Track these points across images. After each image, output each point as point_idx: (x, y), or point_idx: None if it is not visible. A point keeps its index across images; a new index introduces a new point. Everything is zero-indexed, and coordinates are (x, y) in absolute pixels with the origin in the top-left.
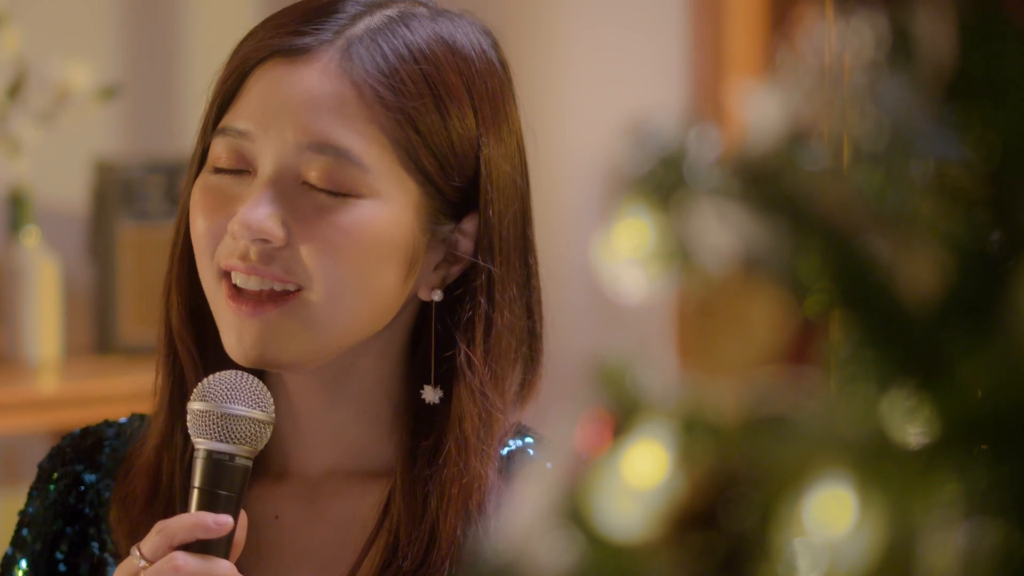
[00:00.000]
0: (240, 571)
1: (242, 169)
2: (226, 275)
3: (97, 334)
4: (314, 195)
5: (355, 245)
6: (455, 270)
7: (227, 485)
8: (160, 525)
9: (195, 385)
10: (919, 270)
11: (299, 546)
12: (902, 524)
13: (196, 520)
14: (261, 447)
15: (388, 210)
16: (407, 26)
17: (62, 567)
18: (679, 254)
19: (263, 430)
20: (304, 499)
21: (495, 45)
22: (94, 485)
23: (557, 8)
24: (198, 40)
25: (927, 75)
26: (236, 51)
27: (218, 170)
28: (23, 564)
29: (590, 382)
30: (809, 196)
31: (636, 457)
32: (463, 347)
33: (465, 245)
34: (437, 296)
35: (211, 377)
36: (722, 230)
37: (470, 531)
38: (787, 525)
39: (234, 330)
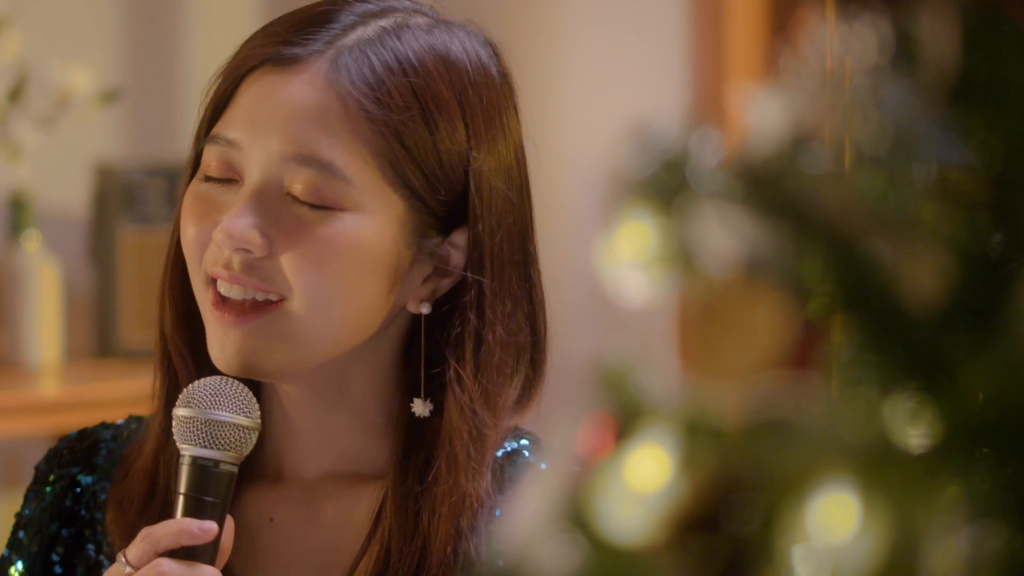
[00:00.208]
0: (235, 574)
1: (230, 178)
2: (212, 282)
3: (97, 338)
4: (297, 207)
5: (336, 258)
6: (445, 283)
7: (212, 491)
8: (146, 531)
9: (187, 385)
10: (921, 274)
11: (294, 549)
12: (905, 528)
13: (181, 526)
14: (247, 453)
15: (371, 224)
16: (399, 37)
17: (58, 569)
18: (681, 258)
19: (248, 436)
20: (299, 502)
21: (496, 55)
22: (90, 487)
23: (558, 12)
24: (198, 44)
25: (929, 79)
26: (232, 58)
27: (208, 178)
28: (19, 566)
29: (592, 386)
30: (811, 200)
31: (638, 461)
32: (453, 363)
33: (456, 258)
34: (426, 309)
35: (196, 383)
36: (724, 234)
37: (461, 549)
38: (790, 529)
39: (217, 338)
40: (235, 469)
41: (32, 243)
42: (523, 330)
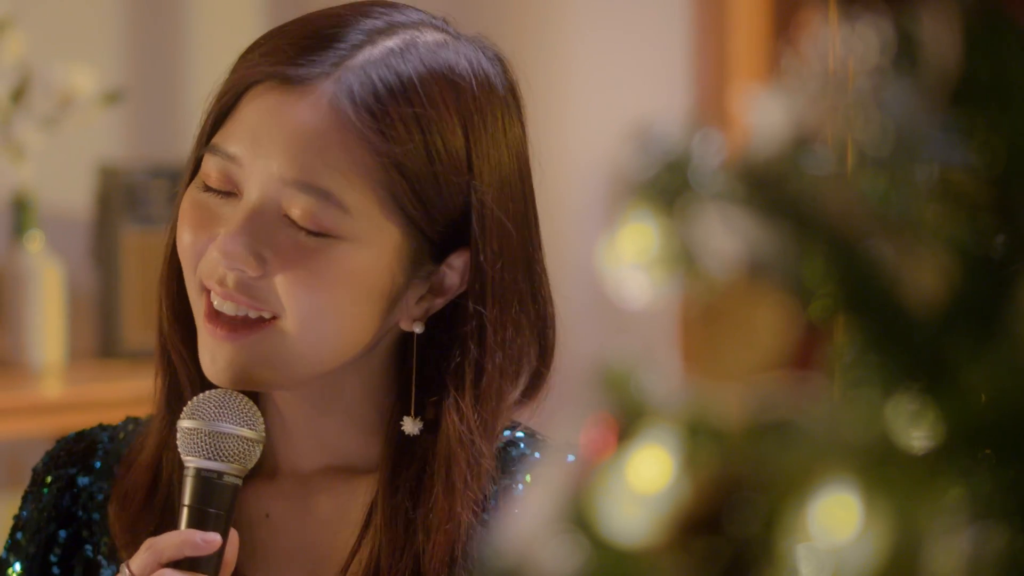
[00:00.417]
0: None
1: (230, 191)
2: (206, 291)
3: (101, 338)
4: (295, 231)
5: (330, 285)
6: (439, 302)
7: (216, 503)
8: (149, 542)
9: (189, 385)
10: (923, 275)
11: (289, 544)
12: (907, 529)
13: (184, 537)
14: (251, 466)
15: (367, 253)
16: (405, 59)
17: (56, 570)
18: (683, 259)
19: (252, 448)
20: (294, 497)
21: (504, 71)
22: (87, 488)
23: (562, 14)
24: (202, 45)
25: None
26: (237, 65)
27: (208, 188)
28: (17, 567)
29: (594, 386)
30: (813, 201)
31: (641, 462)
32: (452, 392)
33: (451, 279)
34: (418, 328)
35: (201, 395)
36: (726, 235)
37: (456, 572)
38: (792, 530)
39: (208, 350)
40: (239, 481)
41: (35, 244)
42: (525, 353)
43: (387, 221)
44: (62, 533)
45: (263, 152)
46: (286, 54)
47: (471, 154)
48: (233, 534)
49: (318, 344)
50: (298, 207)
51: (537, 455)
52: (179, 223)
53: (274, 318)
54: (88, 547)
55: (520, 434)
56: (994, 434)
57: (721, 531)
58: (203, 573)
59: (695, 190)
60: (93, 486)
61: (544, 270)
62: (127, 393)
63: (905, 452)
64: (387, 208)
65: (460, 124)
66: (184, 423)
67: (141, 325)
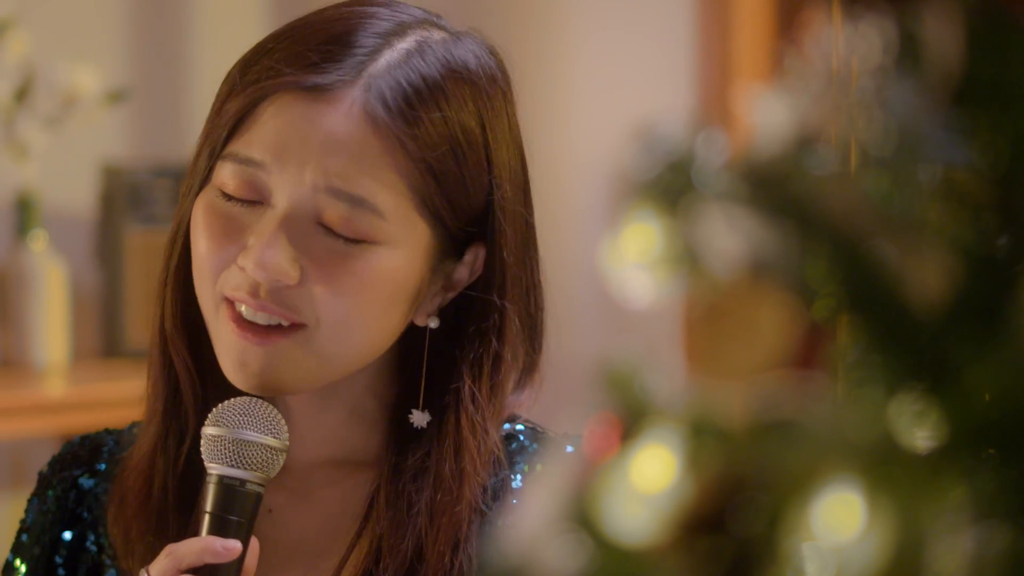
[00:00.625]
0: None
1: (254, 200)
2: (228, 301)
3: (104, 338)
4: (330, 238)
5: (367, 290)
6: (449, 295)
7: (238, 511)
8: (170, 548)
9: (189, 390)
10: (927, 274)
11: (292, 538)
12: (910, 528)
13: (205, 544)
14: (274, 474)
15: (401, 255)
16: (427, 61)
17: (61, 572)
18: (687, 258)
19: (276, 457)
20: (296, 491)
21: (500, 64)
22: (92, 490)
23: (565, 13)
24: (206, 44)
25: (935, 79)
26: (246, 67)
27: (228, 197)
28: (23, 570)
29: (598, 386)
30: (817, 200)
31: (644, 461)
32: (468, 382)
33: (462, 273)
34: (434, 323)
35: (225, 403)
36: (730, 234)
37: (457, 557)
38: (795, 529)
39: (237, 355)
40: (261, 489)
41: (39, 243)
42: (522, 340)
43: (419, 220)
44: (67, 535)
45: (294, 160)
46: (304, 61)
47: (489, 149)
48: (253, 542)
49: (350, 348)
50: (333, 213)
51: (536, 447)
52: (195, 230)
53: (302, 325)
54: (93, 548)
55: (520, 427)
56: (997, 433)
57: (724, 530)
58: None
59: (698, 190)
60: (98, 487)
61: (539, 255)
62: (130, 393)
63: (908, 452)
64: (419, 209)
65: (478, 121)
66: (208, 430)
67: (144, 325)
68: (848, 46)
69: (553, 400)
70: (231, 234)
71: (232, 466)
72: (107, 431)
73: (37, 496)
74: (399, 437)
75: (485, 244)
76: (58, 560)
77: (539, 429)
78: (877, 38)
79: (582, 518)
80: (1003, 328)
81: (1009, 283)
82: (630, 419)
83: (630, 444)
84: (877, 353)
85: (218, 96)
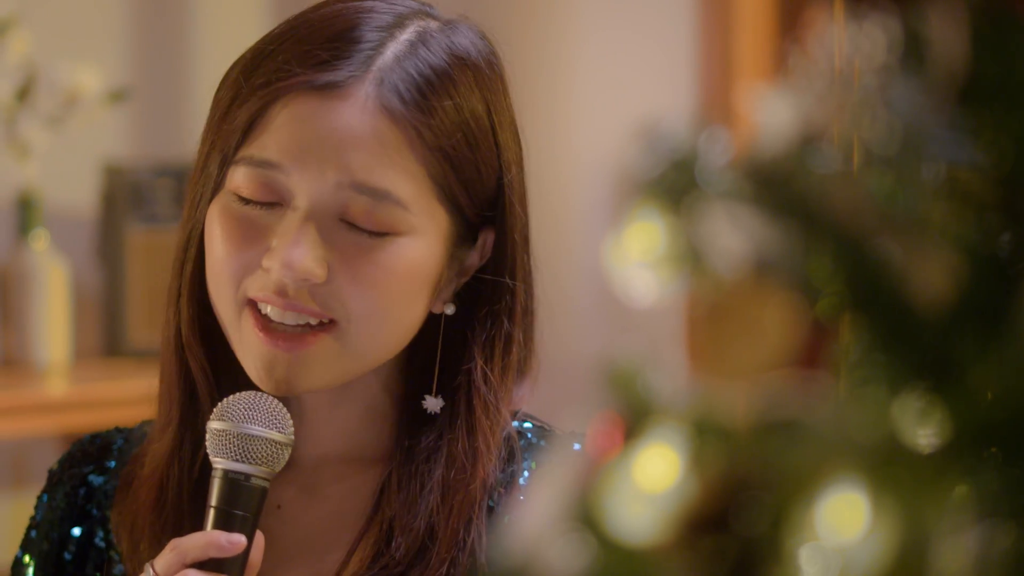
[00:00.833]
0: None
1: (272, 202)
2: (250, 304)
3: (105, 337)
4: (354, 233)
5: (394, 281)
6: (462, 281)
7: (243, 505)
8: (174, 542)
9: (207, 396)
10: (930, 274)
11: (299, 533)
12: (914, 528)
13: (209, 539)
14: (279, 469)
15: (424, 244)
16: (431, 51)
17: (70, 568)
18: (690, 257)
19: (281, 451)
20: (304, 487)
21: (493, 50)
22: (102, 487)
23: (567, 12)
24: (207, 43)
25: (939, 79)
26: (249, 71)
27: (244, 200)
28: (32, 565)
29: (601, 385)
30: (820, 199)
31: (648, 461)
32: (480, 363)
33: (473, 258)
34: (450, 310)
35: (231, 397)
36: (733, 233)
37: (471, 534)
38: (799, 529)
39: (262, 360)
40: (267, 484)
41: (40, 243)
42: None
43: (439, 209)
44: (76, 531)
45: (313, 158)
46: (313, 59)
47: (496, 133)
48: (259, 536)
49: (380, 341)
50: (356, 208)
51: (544, 444)
52: (211, 235)
53: (333, 322)
54: (101, 542)
55: (527, 424)
56: (1001, 432)
57: (728, 530)
58: (228, 574)
59: (702, 189)
60: (107, 484)
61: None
62: (132, 392)
63: (912, 451)
64: (439, 198)
65: (485, 106)
66: (213, 424)
67: (146, 324)
68: (851, 44)
69: (557, 399)
70: (250, 237)
71: (237, 460)
72: (117, 429)
73: (47, 492)
74: (411, 425)
75: (495, 228)
76: (67, 556)
77: (546, 427)
78: (881, 36)
79: (586, 517)
80: (1007, 327)
81: (1013, 282)
82: (633, 418)
83: (634, 443)
84: (881, 352)
85: (219, 101)
